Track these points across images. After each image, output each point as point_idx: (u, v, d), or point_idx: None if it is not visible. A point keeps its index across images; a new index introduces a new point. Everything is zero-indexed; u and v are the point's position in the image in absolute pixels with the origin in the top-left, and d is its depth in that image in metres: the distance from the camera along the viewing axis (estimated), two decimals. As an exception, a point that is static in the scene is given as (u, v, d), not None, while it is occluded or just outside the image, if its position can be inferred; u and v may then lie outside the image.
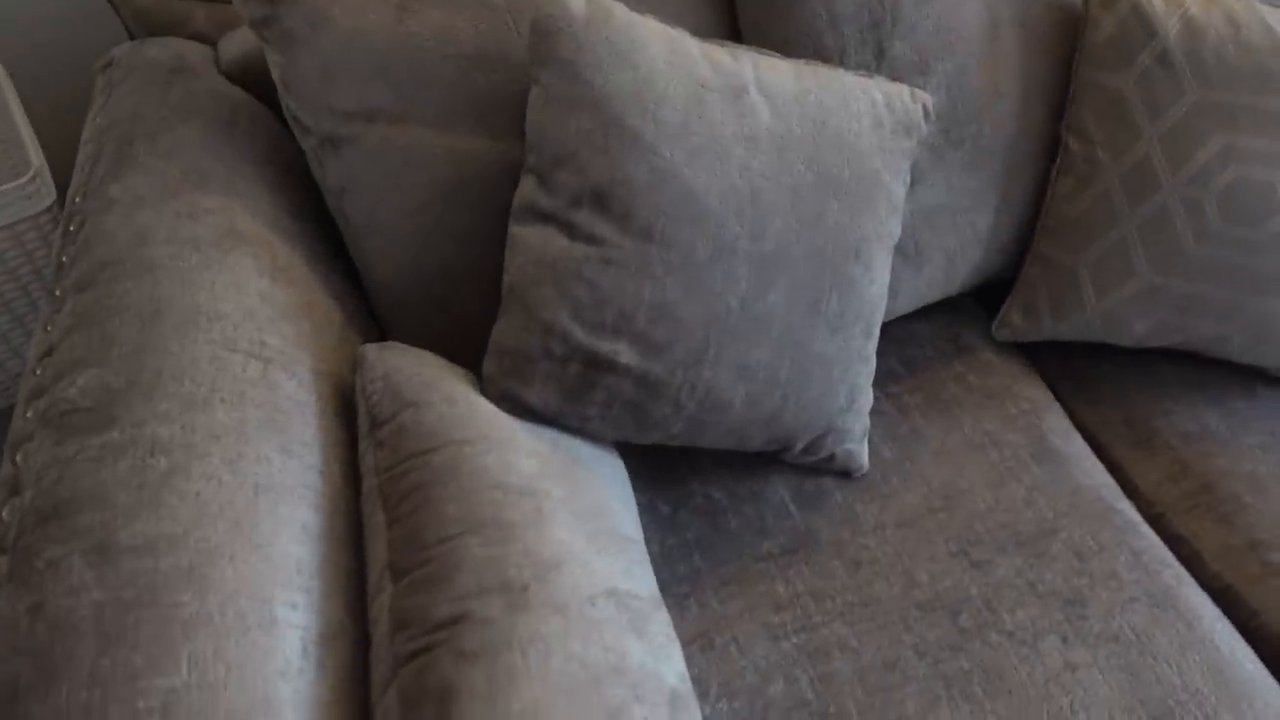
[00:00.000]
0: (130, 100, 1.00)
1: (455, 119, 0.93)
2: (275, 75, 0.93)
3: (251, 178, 0.96)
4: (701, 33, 1.01)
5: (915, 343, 1.15)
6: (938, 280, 1.11)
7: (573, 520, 0.73)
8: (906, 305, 1.12)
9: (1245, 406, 1.07)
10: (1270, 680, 0.86)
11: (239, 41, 1.12)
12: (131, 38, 1.18)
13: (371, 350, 0.82)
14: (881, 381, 1.10)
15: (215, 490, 0.65)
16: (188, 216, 0.85)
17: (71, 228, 0.87)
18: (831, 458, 0.97)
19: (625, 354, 0.82)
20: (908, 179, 0.95)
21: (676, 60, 0.84)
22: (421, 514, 0.69)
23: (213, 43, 1.20)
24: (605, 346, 0.81)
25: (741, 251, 0.84)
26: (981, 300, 1.24)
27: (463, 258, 0.96)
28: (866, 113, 0.90)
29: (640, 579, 0.75)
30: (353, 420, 0.85)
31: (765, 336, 0.86)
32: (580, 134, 0.81)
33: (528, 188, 0.85)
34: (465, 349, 0.98)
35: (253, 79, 1.10)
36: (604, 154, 0.81)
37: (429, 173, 0.93)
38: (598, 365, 0.82)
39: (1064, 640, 0.85)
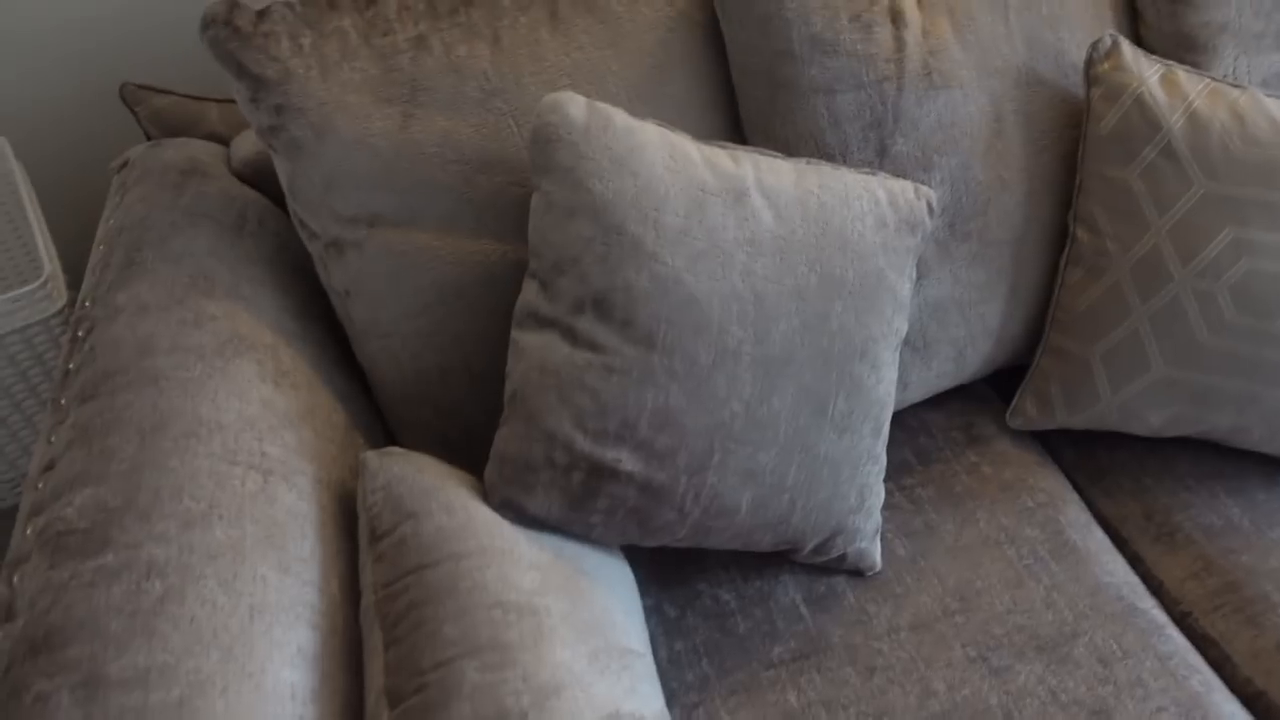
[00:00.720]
0: (142, 205, 1.01)
1: (458, 222, 0.94)
2: (282, 182, 0.94)
3: (257, 280, 0.97)
4: (704, 132, 1.02)
5: (928, 432, 1.13)
6: (948, 371, 1.10)
7: (574, 637, 0.71)
8: (917, 395, 1.11)
9: (1266, 498, 1.04)
10: (1308, 796, 0.82)
11: (250, 142, 1.14)
12: (148, 138, 1.21)
13: (373, 459, 0.81)
14: (894, 473, 1.08)
15: (209, 615, 0.64)
16: (193, 324, 0.86)
17: (80, 333, 0.87)
18: (843, 557, 0.95)
19: (628, 461, 0.81)
20: (914, 276, 0.95)
21: (676, 165, 0.84)
22: (418, 635, 0.67)
23: (227, 141, 1.23)
24: (608, 455, 0.80)
25: (745, 356, 0.83)
26: (995, 384, 1.22)
27: (464, 358, 0.96)
28: (869, 212, 0.90)
29: (645, 697, 0.73)
30: (355, 527, 0.84)
31: (771, 440, 0.85)
32: (581, 241, 0.81)
33: (530, 293, 0.85)
34: (469, 448, 0.97)
35: (262, 179, 1.11)
36: (604, 261, 0.81)
37: (431, 275, 0.93)
38: (601, 474, 0.81)
39: (1088, 756, 0.81)
